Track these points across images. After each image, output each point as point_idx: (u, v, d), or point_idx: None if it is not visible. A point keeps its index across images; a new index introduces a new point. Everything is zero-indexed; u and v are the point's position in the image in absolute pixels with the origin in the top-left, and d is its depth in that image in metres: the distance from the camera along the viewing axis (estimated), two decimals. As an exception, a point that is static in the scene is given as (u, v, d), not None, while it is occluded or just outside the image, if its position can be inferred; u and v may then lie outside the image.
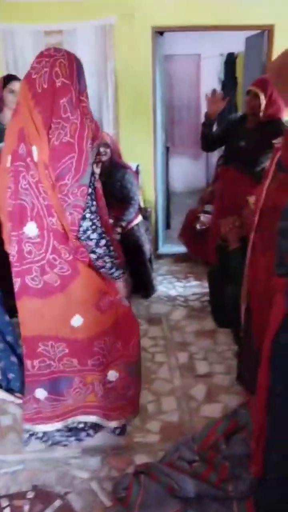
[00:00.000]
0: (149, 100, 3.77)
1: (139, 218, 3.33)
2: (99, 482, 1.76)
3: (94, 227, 1.59)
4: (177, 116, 6.48)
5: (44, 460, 1.88)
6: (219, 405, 2.17)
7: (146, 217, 3.57)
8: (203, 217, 3.66)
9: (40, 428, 1.88)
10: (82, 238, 1.59)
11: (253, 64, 4.17)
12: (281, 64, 1.34)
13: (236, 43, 5.09)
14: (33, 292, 1.68)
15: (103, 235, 1.62)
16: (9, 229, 1.66)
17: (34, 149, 1.52)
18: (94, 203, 1.57)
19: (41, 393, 1.83)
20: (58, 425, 1.87)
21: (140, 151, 3.82)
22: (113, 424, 1.89)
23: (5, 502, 1.68)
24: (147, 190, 3.96)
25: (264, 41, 3.76)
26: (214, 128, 3.02)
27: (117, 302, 1.79)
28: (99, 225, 1.60)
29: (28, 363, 1.80)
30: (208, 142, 3.06)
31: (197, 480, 1.69)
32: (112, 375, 1.84)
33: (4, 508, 1.66)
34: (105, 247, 1.63)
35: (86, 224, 1.56)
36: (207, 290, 3.29)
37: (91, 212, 1.56)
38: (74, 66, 1.55)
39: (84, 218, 1.55)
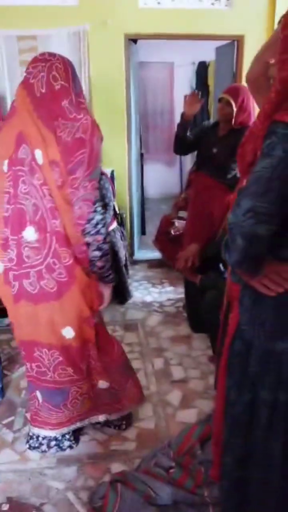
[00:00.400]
0: (123, 106, 3.79)
1: (114, 224, 3.33)
2: (75, 492, 1.74)
3: (104, 221, 1.61)
4: (151, 122, 6.53)
5: (18, 471, 1.85)
6: (195, 410, 2.19)
7: (121, 223, 3.57)
8: (177, 223, 3.69)
9: (39, 431, 1.91)
10: (92, 232, 1.58)
11: (223, 72, 4.25)
12: (257, 72, 1.36)
13: (207, 53, 5.17)
14: (30, 297, 1.68)
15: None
16: (4, 234, 1.65)
17: (38, 152, 1.53)
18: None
19: (40, 396, 1.87)
20: (54, 433, 1.91)
21: (114, 157, 3.82)
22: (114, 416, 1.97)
23: (-22, 517, 1.64)
24: (121, 196, 3.96)
25: (233, 51, 3.85)
26: (188, 132, 3.05)
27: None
28: (107, 220, 1.62)
29: (27, 364, 1.85)
30: (181, 144, 3.06)
31: (174, 486, 1.69)
32: (103, 384, 1.88)
33: (-23, 523, 1.62)
34: (108, 244, 1.67)
35: (97, 217, 1.58)
36: (181, 295, 3.33)
37: (101, 206, 1.60)
38: (69, 69, 1.58)
39: (95, 211, 1.57)
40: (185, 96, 2.99)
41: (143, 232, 4.75)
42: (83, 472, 1.83)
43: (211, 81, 5.87)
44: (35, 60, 1.58)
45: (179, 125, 3.04)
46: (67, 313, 1.70)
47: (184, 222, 3.43)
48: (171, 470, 1.76)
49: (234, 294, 1.28)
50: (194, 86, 6.21)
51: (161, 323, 3.10)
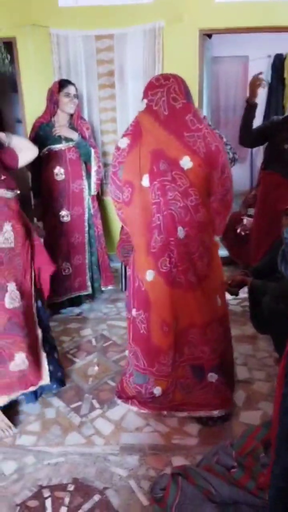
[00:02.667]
0: (196, 102, 3.77)
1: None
2: (137, 481, 1.79)
3: None
4: (223, 118, 6.43)
5: (84, 454, 1.94)
6: (259, 412, 2.15)
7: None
8: (246, 221, 3.62)
9: None
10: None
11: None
12: None
13: (284, 44, 4.99)
14: (189, 286, 1.96)
15: None
16: (159, 239, 1.91)
17: (186, 159, 1.79)
18: None
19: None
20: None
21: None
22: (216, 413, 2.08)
23: (46, 493, 1.75)
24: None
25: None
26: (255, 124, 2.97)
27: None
28: None
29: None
30: (248, 133, 2.96)
31: (235, 486, 1.69)
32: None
33: (46, 498, 1.72)
34: None
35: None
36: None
37: None
38: (182, 87, 1.85)
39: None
40: (252, 77, 2.91)
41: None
42: (145, 462, 1.88)
43: None
44: (152, 86, 1.85)
45: (245, 109, 2.97)
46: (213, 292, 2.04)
47: (252, 220, 3.37)
48: (233, 470, 1.75)
49: None
50: (269, 79, 6.02)
51: (226, 322, 3.07)
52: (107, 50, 3.64)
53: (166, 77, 1.86)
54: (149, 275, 1.98)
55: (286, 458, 1.23)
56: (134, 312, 2.09)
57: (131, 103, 3.73)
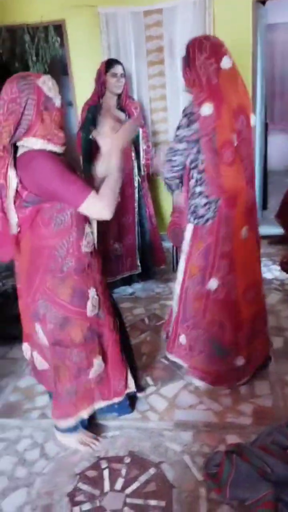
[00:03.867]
0: (249, 72, 3.61)
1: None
2: (191, 456, 1.82)
3: None
4: (278, 89, 6.13)
5: (139, 429, 2.00)
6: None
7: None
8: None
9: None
10: None
11: None
12: None
13: None
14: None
15: None
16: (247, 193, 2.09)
17: (253, 117, 2.09)
18: None
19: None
20: None
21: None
22: None
23: (104, 464, 1.82)
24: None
25: None
26: None
27: None
28: None
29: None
30: None
31: (291, 466, 1.67)
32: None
33: (103, 469, 1.80)
34: None
35: None
36: (305, 274, 3.15)
37: None
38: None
39: None
40: None
41: (264, 206, 4.57)
42: (198, 439, 1.91)
43: None
44: (226, 48, 1.95)
45: None
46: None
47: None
48: (288, 450, 1.73)
49: None
50: None
51: (281, 302, 3.00)
52: (156, 26, 3.57)
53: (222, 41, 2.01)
54: (244, 232, 2.09)
55: None
56: (214, 283, 2.08)
57: (180, 79, 3.64)
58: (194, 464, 1.79)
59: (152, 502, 1.64)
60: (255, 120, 1.85)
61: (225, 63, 1.90)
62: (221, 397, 2.14)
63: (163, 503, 1.63)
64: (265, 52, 4.08)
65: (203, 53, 1.89)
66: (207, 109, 1.88)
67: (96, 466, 1.82)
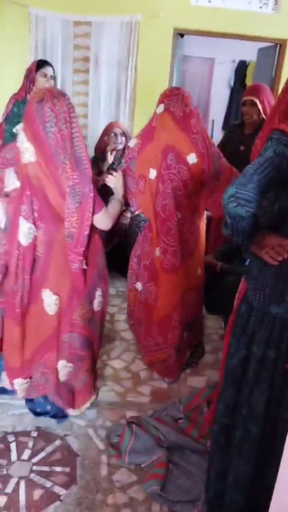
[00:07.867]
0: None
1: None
2: (95, 429, 2.00)
3: None
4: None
5: (46, 408, 2.11)
6: (204, 377, 2.43)
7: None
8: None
9: None
10: None
11: (262, 74, 4.41)
12: None
13: (248, 52, 5.32)
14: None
15: None
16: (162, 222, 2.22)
17: (193, 156, 2.15)
18: None
19: None
20: None
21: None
22: None
23: (11, 438, 1.91)
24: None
25: (275, 53, 4.01)
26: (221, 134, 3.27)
27: None
28: None
29: None
30: None
31: (181, 434, 1.94)
32: None
33: (10, 442, 1.89)
34: None
35: None
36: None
37: None
38: (189, 97, 2.21)
39: None
40: None
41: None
42: (102, 415, 2.09)
43: (249, 81, 6.01)
44: (167, 95, 2.20)
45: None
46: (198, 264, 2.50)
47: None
48: (180, 421, 2.01)
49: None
50: (232, 84, 6.36)
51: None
52: (84, 37, 3.78)
53: (177, 88, 2.33)
54: (158, 252, 2.32)
55: (228, 397, 1.49)
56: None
57: (103, 90, 3.89)
58: (97, 436, 1.96)
59: (58, 469, 1.78)
60: (194, 159, 2.15)
61: (159, 109, 2.23)
62: (123, 380, 2.35)
63: (67, 469, 1.78)
64: (179, 80, 4.51)
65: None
66: (132, 143, 2.37)
67: (2, 440, 1.90)
